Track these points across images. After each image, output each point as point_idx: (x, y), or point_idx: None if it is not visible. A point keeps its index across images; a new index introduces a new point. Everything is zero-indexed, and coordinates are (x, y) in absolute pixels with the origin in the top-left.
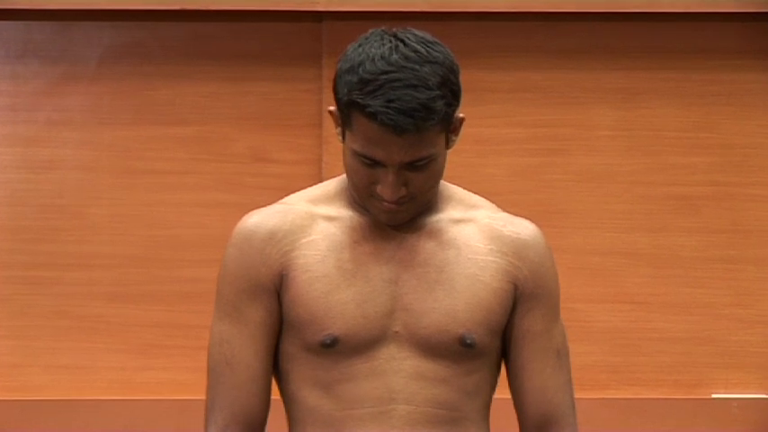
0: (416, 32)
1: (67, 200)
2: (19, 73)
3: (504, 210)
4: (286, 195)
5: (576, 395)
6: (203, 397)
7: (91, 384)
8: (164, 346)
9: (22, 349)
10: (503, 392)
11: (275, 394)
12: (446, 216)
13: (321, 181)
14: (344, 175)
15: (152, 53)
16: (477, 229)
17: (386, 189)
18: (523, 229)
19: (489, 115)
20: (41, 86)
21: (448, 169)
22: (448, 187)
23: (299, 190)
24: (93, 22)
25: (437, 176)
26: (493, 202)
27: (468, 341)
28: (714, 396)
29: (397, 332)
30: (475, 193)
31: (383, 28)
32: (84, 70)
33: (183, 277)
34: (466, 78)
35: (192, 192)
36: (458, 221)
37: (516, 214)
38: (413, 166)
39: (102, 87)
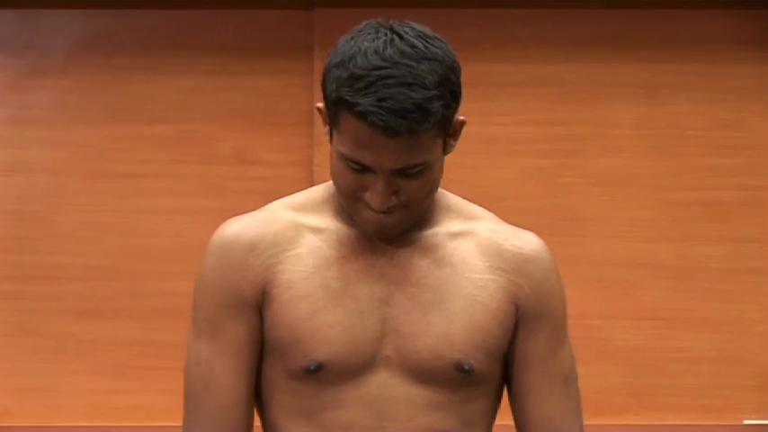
0: (415, 26)
1: (33, 206)
2: None
3: (514, 216)
4: (274, 200)
5: (593, 421)
6: (181, 424)
7: (58, 409)
8: (138, 366)
9: None
10: (506, 419)
11: (255, 421)
12: (442, 229)
13: (312, 185)
14: (332, 182)
15: (126, 44)
16: (475, 244)
17: (374, 197)
18: (526, 242)
19: (497, 112)
20: (5, 81)
21: (452, 171)
22: (445, 196)
23: (288, 194)
24: (61, 10)
25: (432, 185)
26: (501, 207)
27: (466, 367)
28: (746, 422)
29: (387, 356)
30: (482, 197)
31: (379, 20)
32: (52, 63)
33: (160, 291)
34: (472, 72)
35: (171, 197)
36: (455, 235)
37: (527, 221)
38: (405, 173)
39: (72, 82)
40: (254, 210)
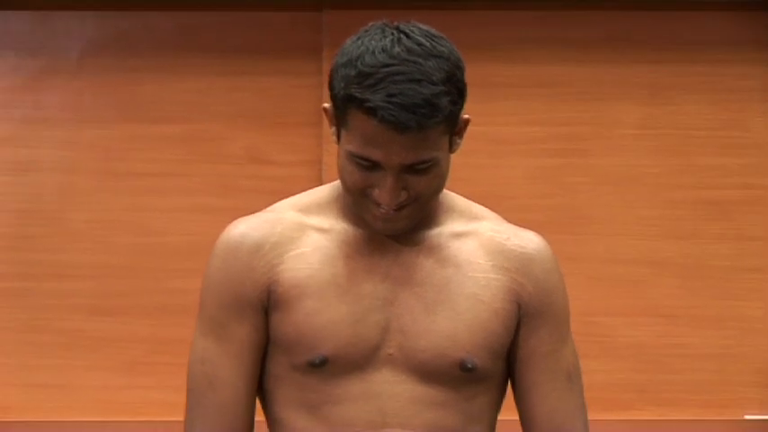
0: (420, 26)
1: (45, 204)
2: None
3: (521, 215)
4: (284, 199)
5: (599, 416)
6: None
7: (70, 405)
8: (150, 363)
9: None
10: (511, 414)
11: (258, 415)
12: (446, 229)
13: (321, 183)
14: (338, 182)
15: (138, 45)
16: (478, 244)
17: (384, 194)
18: (528, 242)
19: (503, 112)
20: (18, 81)
21: (459, 171)
22: (449, 197)
23: (298, 193)
24: (74, 12)
25: (440, 182)
26: (508, 205)
27: (469, 365)
28: (747, 417)
29: (391, 354)
30: (489, 196)
31: (384, 21)
32: (65, 64)
33: (170, 289)
34: (478, 72)
35: (182, 196)
36: (458, 235)
37: (533, 219)
38: (414, 169)
39: (84, 82)
40: (263, 208)
